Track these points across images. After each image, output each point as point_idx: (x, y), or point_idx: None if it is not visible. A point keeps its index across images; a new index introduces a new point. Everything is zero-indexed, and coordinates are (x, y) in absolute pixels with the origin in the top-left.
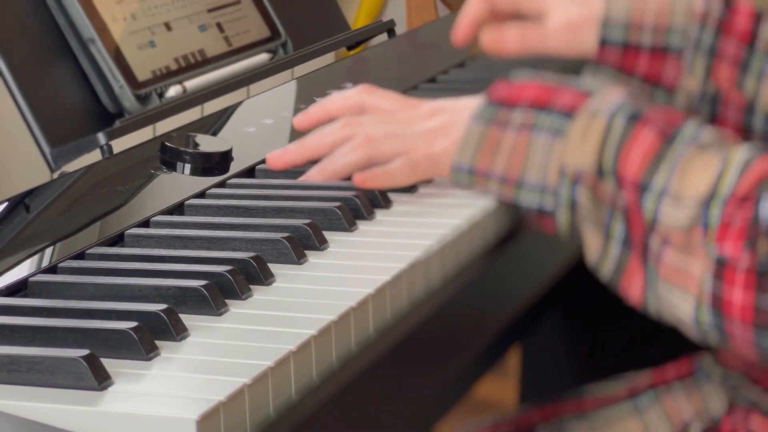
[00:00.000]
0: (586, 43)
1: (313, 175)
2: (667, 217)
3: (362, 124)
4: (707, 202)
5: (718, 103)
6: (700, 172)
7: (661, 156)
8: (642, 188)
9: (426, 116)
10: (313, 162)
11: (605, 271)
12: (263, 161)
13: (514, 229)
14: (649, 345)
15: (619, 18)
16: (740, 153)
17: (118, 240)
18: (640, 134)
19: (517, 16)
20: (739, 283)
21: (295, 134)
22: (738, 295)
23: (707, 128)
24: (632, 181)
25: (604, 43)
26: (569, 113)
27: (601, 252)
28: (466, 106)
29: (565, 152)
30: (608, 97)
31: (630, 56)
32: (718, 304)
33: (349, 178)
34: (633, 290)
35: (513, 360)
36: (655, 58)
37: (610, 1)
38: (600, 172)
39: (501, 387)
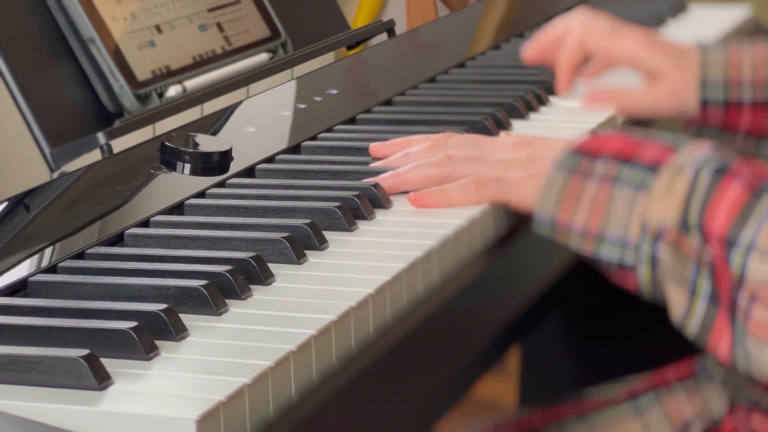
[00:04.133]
0: (685, 105)
1: (385, 179)
2: (756, 272)
3: (447, 147)
4: None
5: None
6: None
7: (749, 210)
8: (729, 243)
9: (510, 146)
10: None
11: (691, 328)
12: (263, 161)
13: (514, 229)
14: (649, 344)
15: (718, 76)
16: None
17: (117, 240)
18: (728, 188)
19: None
20: None
21: (294, 134)
22: None
23: None
24: (719, 235)
25: (705, 103)
26: (654, 167)
27: (687, 309)
28: (551, 145)
29: (647, 207)
30: (694, 153)
31: (732, 113)
32: None
33: (349, 178)
34: (721, 348)
35: (513, 360)
36: (757, 111)
37: (706, 61)
38: (685, 227)
39: (501, 387)
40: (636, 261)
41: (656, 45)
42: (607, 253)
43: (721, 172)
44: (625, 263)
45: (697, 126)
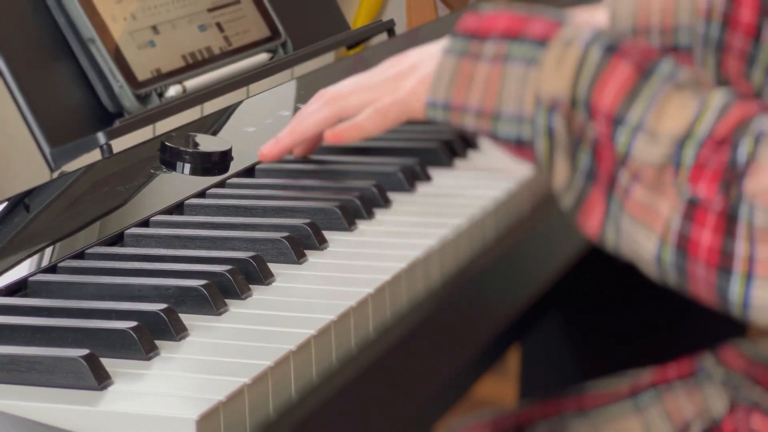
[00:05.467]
0: None
1: (283, 138)
2: (640, 152)
3: (339, 92)
4: (682, 141)
5: None
6: (677, 111)
7: (637, 90)
8: (616, 121)
9: (387, 66)
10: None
11: (567, 200)
12: None
13: (514, 229)
14: (649, 345)
15: (626, 23)
16: (719, 96)
17: (117, 240)
18: (618, 66)
19: None
20: (709, 225)
21: None
22: (706, 237)
23: (683, 68)
24: (606, 113)
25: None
26: (542, 42)
27: (567, 182)
28: (428, 48)
29: (540, 81)
30: (581, 28)
31: None
32: (684, 244)
33: (350, 178)
34: (591, 223)
35: (513, 360)
36: None
37: (614, 9)
38: (573, 102)
39: (501, 387)
40: (533, 135)
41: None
42: (504, 131)
43: (610, 50)
44: (523, 138)
45: None
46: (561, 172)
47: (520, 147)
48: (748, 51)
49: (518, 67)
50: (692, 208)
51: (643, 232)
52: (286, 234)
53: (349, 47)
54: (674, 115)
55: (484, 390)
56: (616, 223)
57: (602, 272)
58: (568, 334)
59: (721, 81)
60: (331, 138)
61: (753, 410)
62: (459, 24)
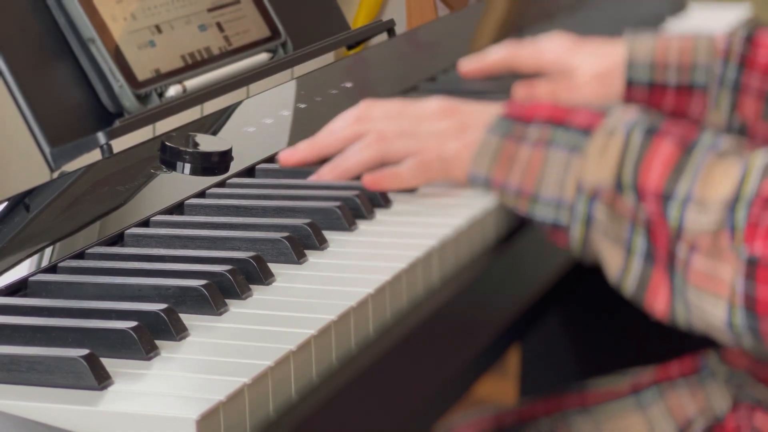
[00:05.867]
0: (614, 89)
1: (324, 174)
2: (693, 223)
3: (373, 120)
4: (732, 205)
5: (744, 136)
6: (723, 177)
7: (682, 165)
8: (665, 198)
9: (437, 115)
10: (324, 160)
11: (628, 286)
12: (263, 161)
13: (514, 229)
14: (649, 346)
15: (644, 59)
16: (761, 157)
17: (118, 240)
18: (660, 146)
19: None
20: None
21: (294, 134)
22: None
23: (724, 136)
24: (654, 192)
25: (630, 83)
26: (586, 131)
27: (623, 267)
28: (479, 110)
29: (583, 169)
30: (624, 116)
31: (656, 95)
32: (752, 305)
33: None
34: (658, 303)
35: (513, 360)
36: (681, 95)
37: (634, 44)
38: (619, 188)
39: (501, 387)
40: (570, 220)
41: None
42: (542, 213)
43: (651, 132)
44: (559, 222)
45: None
46: (613, 261)
47: (555, 230)
48: (766, 91)
49: (562, 152)
50: (753, 268)
51: (710, 300)
52: (286, 234)
53: (349, 47)
54: (720, 181)
55: (484, 390)
56: (683, 298)
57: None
58: (568, 334)
59: (736, 123)
60: (370, 184)
61: (756, 408)
62: (505, 106)
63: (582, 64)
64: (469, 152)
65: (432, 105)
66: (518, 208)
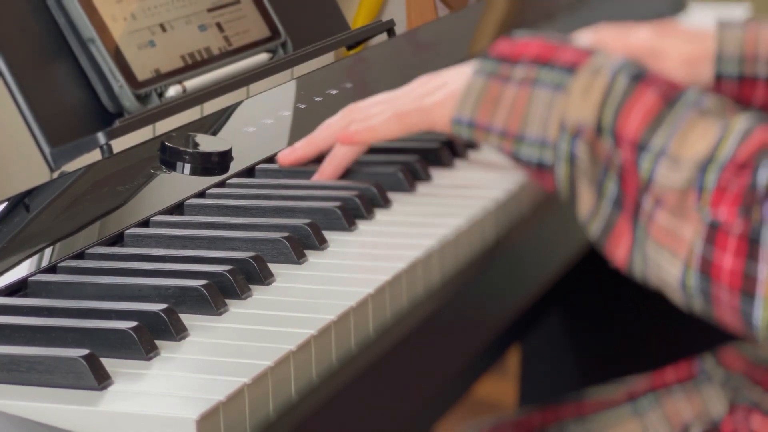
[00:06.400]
0: (703, 77)
1: (297, 147)
2: (663, 177)
3: (363, 108)
4: (705, 166)
5: None
6: (700, 136)
7: (661, 117)
8: (640, 148)
9: (421, 83)
10: (322, 157)
11: (594, 229)
12: (263, 161)
13: (514, 229)
14: (649, 345)
15: (733, 52)
16: (741, 121)
17: (117, 240)
18: (643, 95)
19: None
20: (730, 248)
21: (294, 134)
22: (728, 261)
23: (709, 95)
24: (630, 140)
25: (719, 77)
26: (571, 69)
27: (592, 210)
28: (462, 68)
29: (566, 107)
30: (611, 57)
31: (746, 88)
32: (707, 269)
33: (350, 178)
34: (619, 251)
35: (513, 360)
36: None
37: (722, 36)
38: (599, 130)
39: (501, 387)
40: (554, 159)
41: (668, 30)
42: (527, 153)
43: (637, 79)
44: (544, 162)
45: None
46: (585, 201)
47: (540, 171)
48: None
49: (545, 91)
50: (714, 232)
51: (667, 257)
52: (286, 234)
53: (349, 47)
54: (697, 140)
55: (484, 390)
56: (643, 251)
57: (602, 272)
58: (568, 334)
59: None
60: (342, 139)
61: (753, 410)
62: (491, 48)
63: (671, 48)
64: (452, 100)
65: (414, 82)
66: (503, 150)
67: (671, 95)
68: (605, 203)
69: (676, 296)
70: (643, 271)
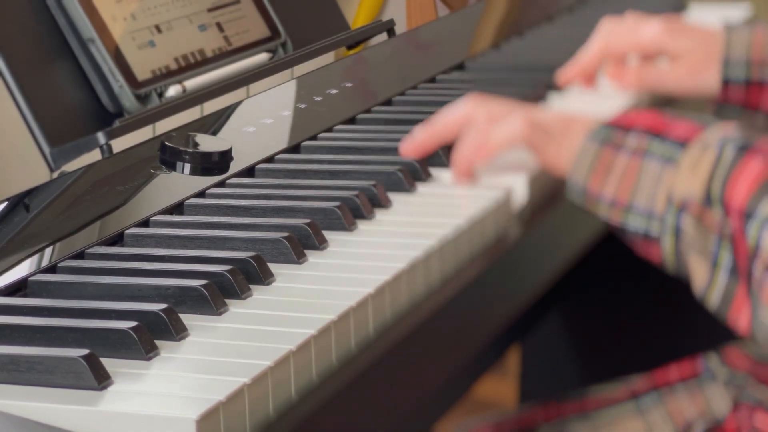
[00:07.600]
0: (707, 82)
1: (424, 140)
2: None
3: (486, 104)
4: None
5: None
6: None
7: None
8: (747, 215)
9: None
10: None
11: (713, 300)
12: (263, 161)
13: (514, 229)
14: (650, 345)
15: (740, 56)
16: None
17: (117, 240)
18: (749, 163)
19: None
20: None
21: (294, 134)
22: None
23: None
24: (738, 208)
25: (726, 82)
26: (683, 143)
27: (708, 281)
28: (585, 118)
29: (674, 180)
30: (721, 131)
31: (754, 92)
32: None
33: (350, 178)
34: (741, 320)
35: (513, 360)
36: None
37: (729, 40)
38: (708, 201)
39: (501, 387)
40: (660, 232)
41: (677, 29)
42: (634, 224)
43: (743, 149)
44: (650, 234)
45: (717, 104)
46: (700, 273)
47: (647, 242)
48: None
49: (656, 163)
50: None
51: None
52: (286, 234)
53: (349, 47)
54: None
55: (484, 390)
56: (758, 317)
57: (602, 272)
58: (568, 334)
59: None
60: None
61: (756, 408)
62: (607, 118)
63: (680, 47)
64: (565, 147)
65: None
66: (611, 218)
67: None
68: (722, 274)
69: None
70: (766, 338)
